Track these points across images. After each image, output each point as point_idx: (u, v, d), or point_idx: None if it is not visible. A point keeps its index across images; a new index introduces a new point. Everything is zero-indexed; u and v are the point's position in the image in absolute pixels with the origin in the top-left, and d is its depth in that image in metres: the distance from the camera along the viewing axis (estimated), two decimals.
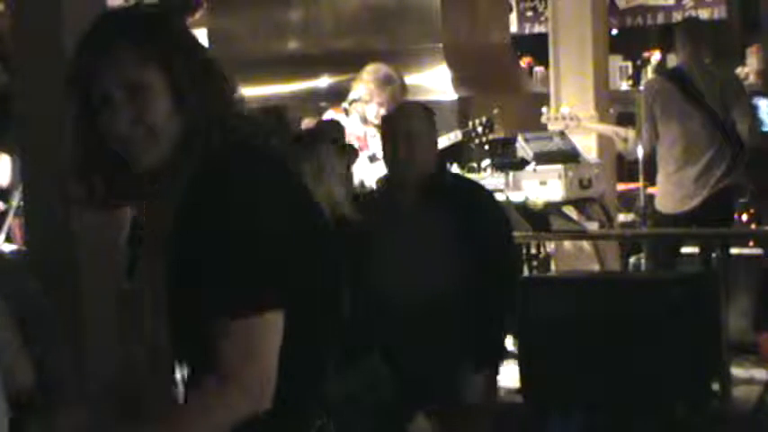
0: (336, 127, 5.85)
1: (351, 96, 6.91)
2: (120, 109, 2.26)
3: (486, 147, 7.63)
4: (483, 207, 4.70)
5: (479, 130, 7.53)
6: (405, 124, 4.70)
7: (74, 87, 2.30)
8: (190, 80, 2.27)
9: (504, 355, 4.90)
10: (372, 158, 6.61)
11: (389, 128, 4.80)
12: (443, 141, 7.28)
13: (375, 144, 6.45)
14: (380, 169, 5.70)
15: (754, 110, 7.77)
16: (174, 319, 2.25)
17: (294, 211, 2.27)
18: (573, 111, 8.36)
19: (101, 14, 2.36)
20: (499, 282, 4.58)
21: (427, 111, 4.83)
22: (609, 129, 8.35)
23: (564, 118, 8.19)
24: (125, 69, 2.26)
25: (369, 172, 6.51)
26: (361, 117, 6.81)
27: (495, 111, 8.03)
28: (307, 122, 7.26)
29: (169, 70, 2.27)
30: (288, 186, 2.31)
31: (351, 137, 6.37)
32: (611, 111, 9.68)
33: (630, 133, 7.65)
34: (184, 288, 2.21)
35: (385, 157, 4.82)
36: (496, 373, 4.70)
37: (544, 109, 8.41)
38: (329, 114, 7.18)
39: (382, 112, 6.99)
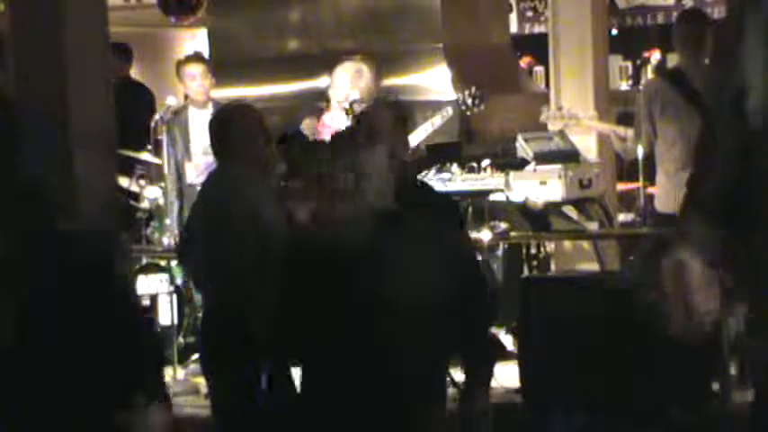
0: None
1: (352, 97, 6.92)
2: None
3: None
4: (444, 221, 4.55)
5: (469, 102, 7.52)
6: (373, 121, 4.58)
7: None
8: None
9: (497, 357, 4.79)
10: None
11: (363, 124, 4.66)
12: (427, 128, 7.30)
13: None
14: None
15: None
16: None
17: None
18: (572, 110, 8.37)
19: None
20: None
21: (401, 110, 4.74)
22: (607, 128, 8.35)
23: (563, 116, 8.19)
24: None
25: None
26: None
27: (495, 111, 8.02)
28: (307, 123, 7.26)
29: None
30: None
31: None
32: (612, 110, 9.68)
33: (629, 133, 7.65)
34: None
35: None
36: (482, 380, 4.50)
37: (544, 108, 8.41)
38: (329, 116, 7.17)
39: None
